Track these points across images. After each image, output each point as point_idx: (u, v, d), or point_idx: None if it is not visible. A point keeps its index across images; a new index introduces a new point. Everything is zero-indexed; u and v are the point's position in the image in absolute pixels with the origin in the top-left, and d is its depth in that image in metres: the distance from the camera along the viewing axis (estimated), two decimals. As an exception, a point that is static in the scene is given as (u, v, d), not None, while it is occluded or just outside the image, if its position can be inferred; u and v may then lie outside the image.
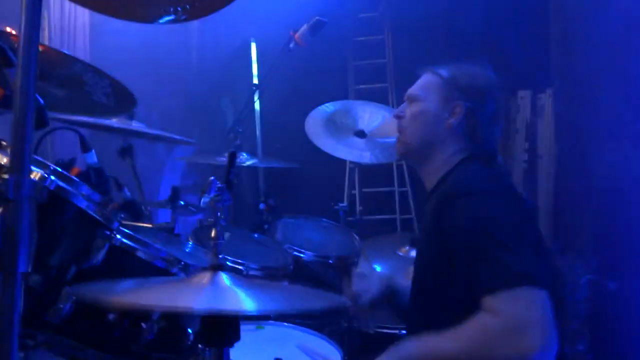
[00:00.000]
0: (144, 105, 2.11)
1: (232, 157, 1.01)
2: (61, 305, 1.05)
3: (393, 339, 2.11)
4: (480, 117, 1.46)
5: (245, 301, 0.95)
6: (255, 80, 2.99)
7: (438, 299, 1.35)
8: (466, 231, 1.25)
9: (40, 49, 1.31)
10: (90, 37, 2.79)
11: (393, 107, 3.53)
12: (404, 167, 4.20)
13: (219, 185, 1.00)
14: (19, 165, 0.62)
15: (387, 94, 4.07)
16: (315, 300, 1.07)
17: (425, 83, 1.53)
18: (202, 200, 0.99)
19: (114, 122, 1.89)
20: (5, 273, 0.58)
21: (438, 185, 1.46)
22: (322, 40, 2.54)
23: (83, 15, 2.99)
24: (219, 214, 1.01)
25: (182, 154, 3.59)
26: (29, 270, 0.63)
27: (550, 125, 3.14)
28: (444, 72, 1.50)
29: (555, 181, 3.02)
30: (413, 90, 1.54)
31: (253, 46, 3.19)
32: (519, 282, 1.15)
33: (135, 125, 1.98)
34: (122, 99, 1.68)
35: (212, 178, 1.00)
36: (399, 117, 1.54)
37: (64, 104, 1.59)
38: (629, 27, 2.45)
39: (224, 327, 0.98)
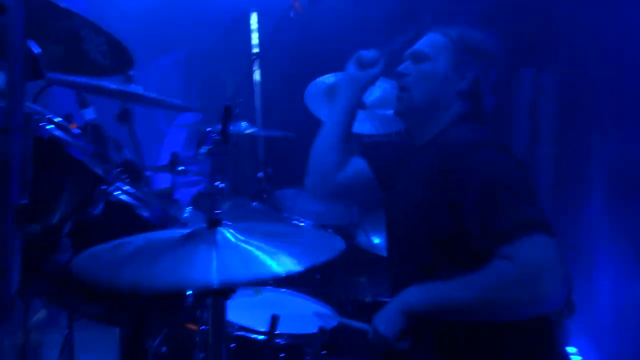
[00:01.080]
0: (143, 74, 2.09)
1: (228, 110, 1.00)
2: (59, 256, 1.05)
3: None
4: (485, 83, 1.46)
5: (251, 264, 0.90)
6: (256, 50, 2.96)
7: (434, 251, 1.33)
8: (481, 181, 1.25)
9: None
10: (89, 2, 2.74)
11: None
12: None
13: (215, 137, 0.98)
14: (12, 94, 0.61)
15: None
16: (323, 249, 1.03)
17: (434, 42, 1.50)
18: (199, 151, 0.98)
19: (111, 83, 1.86)
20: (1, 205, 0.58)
21: (432, 142, 1.46)
22: (324, 10, 2.50)
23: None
24: (216, 166, 1.00)
25: (182, 125, 3.57)
26: (23, 201, 0.62)
27: (554, 105, 3.11)
28: (452, 32, 1.48)
29: (557, 163, 3.01)
30: (420, 46, 1.51)
31: (253, 16, 3.14)
32: (535, 229, 1.16)
33: (133, 87, 1.96)
34: (119, 59, 1.65)
35: (209, 129, 0.99)
36: (403, 75, 1.51)
37: (60, 63, 1.56)
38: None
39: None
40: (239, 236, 0.98)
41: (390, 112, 2.42)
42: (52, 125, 1.03)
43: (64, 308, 1.23)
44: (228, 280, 0.87)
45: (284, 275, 0.87)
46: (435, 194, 1.33)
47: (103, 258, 0.95)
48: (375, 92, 2.74)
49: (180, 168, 2.18)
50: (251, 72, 2.71)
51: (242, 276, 0.89)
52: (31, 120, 0.76)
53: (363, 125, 2.62)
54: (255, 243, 0.96)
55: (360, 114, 2.63)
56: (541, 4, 2.99)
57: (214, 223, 1.02)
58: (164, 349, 1.84)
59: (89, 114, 1.44)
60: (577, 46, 2.82)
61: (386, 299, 2.14)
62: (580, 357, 2.49)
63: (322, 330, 1.44)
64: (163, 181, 2.50)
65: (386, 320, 1.27)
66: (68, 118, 1.19)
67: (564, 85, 2.99)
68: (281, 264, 0.89)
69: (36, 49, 0.96)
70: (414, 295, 1.26)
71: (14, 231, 0.58)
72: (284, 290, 2.02)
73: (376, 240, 2.62)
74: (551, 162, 3.01)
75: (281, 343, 1.61)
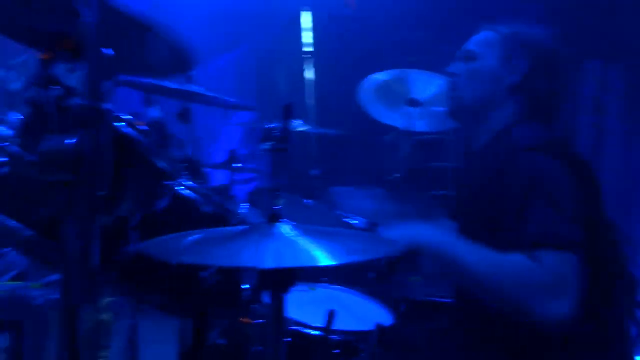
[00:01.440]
0: (201, 74, 2.16)
1: (288, 108, 1.02)
2: (127, 248, 1.10)
3: (439, 307, 2.11)
4: (542, 78, 1.40)
5: (310, 254, 0.94)
6: (308, 49, 2.98)
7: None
8: (525, 183, 1.22)
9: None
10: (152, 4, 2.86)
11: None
12: (461, 143, 4.10)
13: (276, 134, 1.00)
14: (95, 91, 0.65)
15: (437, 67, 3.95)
16: (379, 246, 1.06)
17: (483, 39, 1.47)
18: (258, 148, 1.00)
19: (172, 83, 1.94)
20: (84, 193, 0.62)
21: (492, 143, 1.42)
22: (378, 7, 2.49)
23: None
24: (275, 163, 1.02)
25: (238, 123, 3.65)
26: (102, 193, 0.66)
27: (621, 100, 2.96)
28: (503, 28, 1.45)
29: (624, 161, 2.86)
30: (468, 46, 1.49)
31: (306, 15, 3.17)
32: (567, 247, 1.14)
33: (193, 87, 2.03)
34: (180, 60, 1.71)
35: (271, 125, 1.01)
36: (452, 75, 1.50)
37: (124, 64, 1.63)
38: None
39: (283, 274, 1.00)
40: (296, 231, 1.01)
41: (444, 109, 2.39)
42: (122, 123, 1.08)
43: (130, 297, 1.29)
44: (280, 264, 0.92)
45: (336, 265, 0.90)
46: (487, 199, 1.31)
47: (167, 245, 1.00)
48: (430, 89, 2.71)
49: (237, 165, 2.24)
50: (304, 71, 2.74)
51: (292, 262, 0.93)
52: (110, 119, 0.81)
53: (417, 123, 2.61)
54: (311, 238, 0.99)
55: (415, 112, 2.63)
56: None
57: (274, 218, 1.04)
58: (221, 341, 1.90)
59: (154, 112, 1.50)
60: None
61: (440, 299, 2.13)
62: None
63: (378, 328, 1.44)
64: (220, 178, 2.57)
65: (396, 236, 1.29)
66: (135, 116, 1.25)
67: (632, 79, 2.84)
68: (333, 256, 0.92)
69: (108, 52, 1.02)
70: (433, 236, 1.28)
71: (95, 220, 0.62)
72: (338, 287, 2.03)
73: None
74: (617, 160, 2.87)
75: (336, 339, 1.62)
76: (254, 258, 0.93)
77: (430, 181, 3.67)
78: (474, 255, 1.20)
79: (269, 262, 0.92)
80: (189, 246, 1.00)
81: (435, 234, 1.29)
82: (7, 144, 0.95)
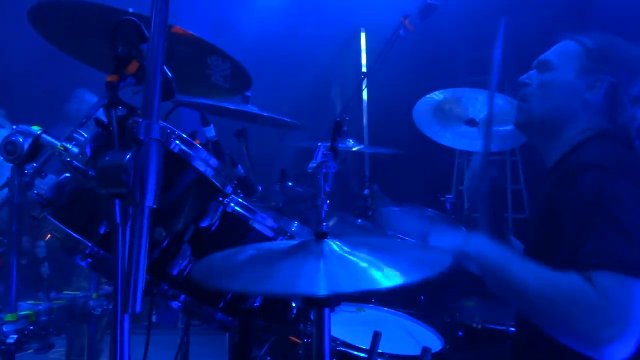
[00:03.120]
0: (256, 95, 2.22)
1: (338, 125, 1.03)
2: (180, 261, 1.14)
3: (497, 335, 2.02)
4: (623, 95, 1.30)
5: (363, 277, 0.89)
6: (364, 69, 3.00)
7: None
8: (585, 202, 1.14)
9: (172, 30, 1.44)
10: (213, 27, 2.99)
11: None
12: (519, 163, 3.96)
13: (326, 151, 1.01)
14: (149, 110, 0.69)
15: (502, 86, 3.87)
16: (430, 263, 0.99)
17: (563, 50, 1.39)
18: (309, 165, 1.01)
19: (230, 104, 2.01)
20: (136, 206, 0.65)
21: (561, 161, 1.35)
22: (433, 28, 2.47)
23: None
24: (324, 180, 1.03)
25: (292, 142, 3.71)
26: (154, 206, 0.69)
27: None
28: (587, 40, 1.36)
29: None
30: (546, 55, 1.41)
31: (362, 35, 3.21)
32: (627, 270, 1.05)
33: (250, 107, 2.09)
34: (238, 82, 1.78)
35: (320, 144, 1.02)
36: (524, 84, 1.43)
37: (185, 85, 1.71)
38: None
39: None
40: (345, 248, 1.00)
41: (504, 128, 2.33)
42: (180, 141, 1.13)
43: (181, 310, 1.33)
44: (335, 289, 0.87)
45: (389, 287, 0.85)
46: (549, 215, 1.25)
47: (219, 264, 1.02)
48: (487, 108, 2.65)
49: (289, 184, 2.27)
50: (360, 90, 2.75)
51: (348, 286, 0.88)
52: (164, 135, 0.86)
53: (473, 143, 2.55)
54: (361, 255, 0.96)
55: (472, 132, 2.57)
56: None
57: (321, 235, 1.04)
58: (268, 358, 1.91)
59: (210, 131, 1.56)
60: None
61: (497, 326, 2.04)
62: None
63: (425, 351, 1.40)
64: (273, 197, 2.61)
65: (442, 241, 1.24)
66: (192, 135, 1.30)
67: None
68: (386, 276, 0.88)
69: (169, 74, 1.08)
70: (483, 245, 1.21)
71: (146, 232, 0.65)
72: (387, 309, 2.00)
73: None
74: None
75: (382, 362, 1.59)
76: (308, 283, 0.89)
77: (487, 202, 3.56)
78: (525, 270, 1.14)
79: (323, 287, 0.86)
80: (240, 269, 0.98)
81: (484, 243, 1.22)
82: (73, 160, 1.02)
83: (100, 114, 1.12)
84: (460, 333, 2.05)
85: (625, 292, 1.04)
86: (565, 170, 1.26)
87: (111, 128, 1.04)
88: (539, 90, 1.39)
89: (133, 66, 1.12)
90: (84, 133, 1.14)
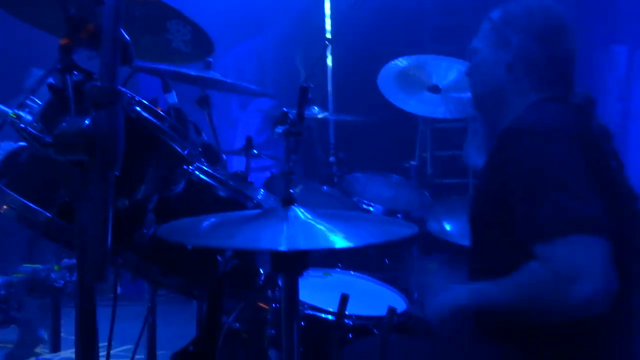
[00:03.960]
0: (220, 61, 2.17)
1: (304, 91, 1.02)
2: (145, 230, 1.12)
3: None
4: (542, 51, 1.34)
5: (326, 237, 0.94)
6: (328, 35, 2.97)
7: (496, 244, 1.29)
8: (526, 172, 1.18)
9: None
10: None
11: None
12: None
13: (292, 117, 1.01)
14: (109, 75, 0.66)
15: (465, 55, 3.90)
16: (394, 228, 1.05)
17: (481, 32, 1.46)
18: (275, 131, 1.00)
19: (192, 70, 1.95)
20: (99, 173, 0.63)
21: (507, 128, 1.37)
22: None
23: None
24: (290, 147, 1.02)
25: (255, 111, 3.67)
26: (119, 174, 0.67)
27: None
28: (496, 13, 1.41)
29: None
30: (472, 43, 1.48)
31: (327, 1, 3.16)
32: (575, 229, 1.08)
33: (212, 74, 2.04)
34: (199, 47, 1.72)
35: (285, 109, 1.01)
36: (467, 75, 1.50)
37: (144, 51, 1.65)
38: None
39: (295, 257, 1.01)
40: (308, 215, 1.02)
41: (465, 95, 2.37)
42: (140, 107, 1.10)
43: (147, 280, 1.32)
44: (294, 246, 0.92)
45: (345, 247, 0.90)
46: (492, 182, 1.29)
47: (186, 228, 1.02)
48: (450, 75, 2.68)
49: (254, 152, 2.25)
50: (324, 57, 2.73)
51: (306, 244, 0.94)
52: (124, 101, 0.83)
53: (437, 110, 2.58)
54: (324, 221, 0.99)
55: (435, 98, 2.60)
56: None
57: (288, 201, 1.05)
58: (237, 325, 1.93)
59: (172, 98, 1.52)
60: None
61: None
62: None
63: (391, 312, 1.44)
64: (237, 164, 2.59)
65: (436, 313, 1.30)
66: (154, 102, 1.26)
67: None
68: (344, 238, 0.93)
69: (126, 38, 1.04)
70: (461, 296, 1.26)
71: (111, 199, 0.64)
72: (353, 273, 2.04)
73: (448, 227, 2.57)
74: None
75: (349, 324, 1.63)
76: (269, 241, 0.94)
77: (449, 170, 3.64)
78: (495, 294, 1.19)
79: (284, 244, 0.92)
80: (206, 230, 1.02)
81: (455, 300, 1.27)
82: (28, 127, 0.98)
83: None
84: (416, 294, 2.12)
85: (582, 252, 1.08)
86: (507, 136, 1.29)
87: (66, 93, 1.00)
88: (473, 75, 1.47)
89: (87, 30, 1.07)
90: (37, 100, 1.09)
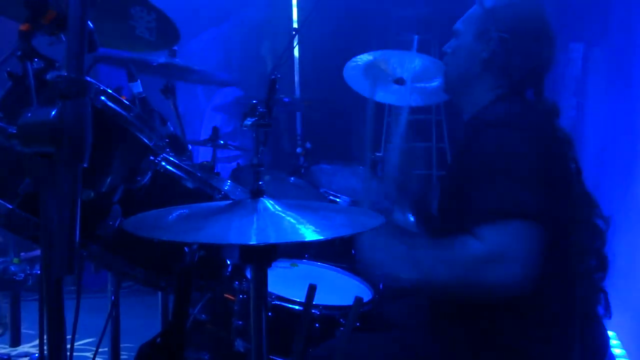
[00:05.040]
0: (185, 50, 2.13)
1: (273, 83, 1.02)
2: (110, 222, 1.10)
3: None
4: (516, 50, 1.35)
5: (295, 229, 0.94)
6: (296, 25, 2.95)
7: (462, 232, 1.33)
8: (481, 159, 1.23)
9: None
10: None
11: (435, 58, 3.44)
12: (443, 123, 4.11)
13: (261, 109, 1.01)
14: (76, 63, 0.65)
15: (430, 46, 3.96)
16: (362, 219, 1.07)
17: (468, 15, 1.47)
18: (244, 122, 1.00)
19: (157, 58, 1.91)
20: (66, 165, 0.62)
21: (472, 119, 1.43)
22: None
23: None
24: (261, 137, 1.02)
25: (221, 101, 3.62)
26: (85, 166, 0.66)
27: (603, 82, 2.98)
28: (488, 2, 1.42)
29: (603, 142, 2.90)
30: (457, 24, 1.50)
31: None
32: (511, 215, 1.14)
33: (178, 62, 2.00)
34: (165, 34, 1.69)
35: (255, 101, 1.01)
36: (444, 53, 1.51)
37: (107, 38, 1.60)
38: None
39: (264, 249, 1.01)
40: (278, 207, 1.02)
41: (430, 84, 2.43)
42: (105, 97, 1.07)
43: (112, 272, 1.30)
44: (264, 240, 0.92)
45: (314, 240, 0.91)
46: (460, 170, 1.34)
47: (152, 221, 1.01)
48: (415, 67, 2.72)
49: (220, 142, 2.23)
50: (291, 47, 2.71)
51: (276, 238, 0.93)
52: (91, 92, 0.81)
53: (404, 99, 2.62)
54: (292, 214, 1.00)
55: (401, 89, 2.63)
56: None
57: (257, 193, 1.05)
58: (203, 316, 1.92)
59: (137, 87, 1.48)
60: (629, 21, 2.70)
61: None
62: (619, 342, 2.45)
63: (357, 302, 1.47)
64: (204, 155, 2.56)
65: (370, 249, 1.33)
66: (118, 91, 1.23)
67: (614, 62, 2.86)
68: (313, 231, 0.93)
69: (90, 25, 1.01)
70: (400, 247, 1.29)
71: (78, 191, 0.63)
72: (320, 264, 2.06)
73: (412, 219, 2.62)
74: (598, 140, 2.91)
75: (316, 314, 1.65)
76: (239, 234, 0.93)
77: (413, 160, 3.69)
78: (431, 268, 1.21)
79: (254, 238, 0.92)
80: (173, 223, 1.00)
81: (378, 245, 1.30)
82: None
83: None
84: (381, 285, 2.15)
85: (515, 236, 1.13)
86: (472, 128, 1.35)
87: (27, 82, 0.97)
88: (450, 56, 1.48)
89: (49, 15, 1.03)
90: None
